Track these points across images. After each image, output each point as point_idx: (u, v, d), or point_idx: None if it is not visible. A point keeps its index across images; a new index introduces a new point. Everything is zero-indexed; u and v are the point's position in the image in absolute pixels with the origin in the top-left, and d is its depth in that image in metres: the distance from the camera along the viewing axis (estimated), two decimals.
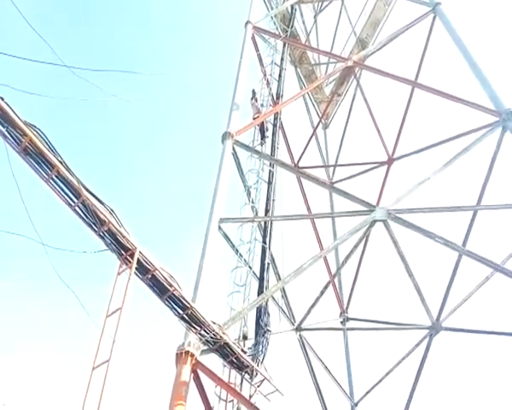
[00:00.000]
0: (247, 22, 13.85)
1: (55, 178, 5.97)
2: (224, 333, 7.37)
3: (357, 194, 9.93)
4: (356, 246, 10.73)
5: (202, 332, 7.12)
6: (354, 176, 14.54)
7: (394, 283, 13.06)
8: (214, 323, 7.29)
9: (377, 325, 12.85)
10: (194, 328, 7.08)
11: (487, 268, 10.01)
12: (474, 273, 11.12)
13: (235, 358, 7.59)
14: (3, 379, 15.19)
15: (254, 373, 7.95)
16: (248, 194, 11.43)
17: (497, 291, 11.27)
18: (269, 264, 10.51)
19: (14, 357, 17.12)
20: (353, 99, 15.90)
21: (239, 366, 7.75)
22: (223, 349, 7.45)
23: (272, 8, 15.96)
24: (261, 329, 9.03)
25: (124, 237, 6.41)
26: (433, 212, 9.56)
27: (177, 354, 7.07)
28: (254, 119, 12.46)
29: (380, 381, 12.35)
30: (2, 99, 5.40)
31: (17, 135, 5.62)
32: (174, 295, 6.87)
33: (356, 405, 12.95)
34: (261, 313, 9.33)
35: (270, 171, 12.15)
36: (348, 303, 13.88)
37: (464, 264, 11.08)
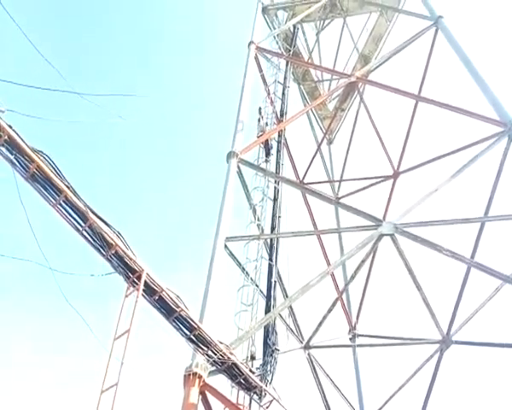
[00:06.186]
0: (250, 42, 14.03)
1: (63, 203, 6.02)
2: (231, 353, 7.32)
3: (363, 209, 9.93)
4: (363, 261, 10.70)
5: (210, 353, 7.08)
6: (360, 190, 14.51)
7: (403, 297, 12.96)
8: (221, 343, 7.25)
9: (387, 340, 12.72)
10: (202, 349, 7.04)
11: (497, 280, 9.95)
12: (484, 285, 11.03)
13: (244, 378, 7.51)
14: (8, 402, 15.17)
15: (263, 394, 7.86)
16: (254, 212, 11.46)
17: (507, 303, 11.15)
18: (276, 282, 10.47)
19: (19, 380, 17.09)
20: (357, 114, 15.92)
21: (247, 386, 7.67)
22: (231, 370, 7.38)
23: (275, 28, 16.20)
24: (269, 348, 8.96)
25: (131, 259, 6.45)
26: (440, 225, 9.52)
27: (184, 375, 7.05)
28: (258, 137, 12.56)
29: (390, 398, 12.14)
30: (11, 127, 5.48)
31: (25, 161, 5.68)
32: (181, 315, 6.85)
33: None
34: (269, 332, 9.25)
35: (275, 188, 12.19)
36: (357, 319, 13.71)
37: (473, 276, 11.00)
